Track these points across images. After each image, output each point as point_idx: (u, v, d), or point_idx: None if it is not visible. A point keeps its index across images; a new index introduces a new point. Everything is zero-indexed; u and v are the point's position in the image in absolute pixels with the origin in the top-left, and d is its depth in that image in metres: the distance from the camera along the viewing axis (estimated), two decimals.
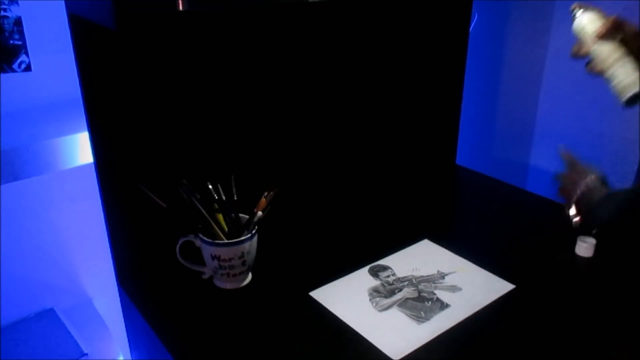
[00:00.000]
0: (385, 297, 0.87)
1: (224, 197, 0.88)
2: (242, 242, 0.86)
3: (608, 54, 0.73)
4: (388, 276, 0.93)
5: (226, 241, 0.86)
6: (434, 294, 0.88)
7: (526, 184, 1.46)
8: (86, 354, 1.04)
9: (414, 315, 0.83)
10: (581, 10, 0.76)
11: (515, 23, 1.38)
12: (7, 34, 0.94)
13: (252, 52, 0.97)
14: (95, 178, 0.90)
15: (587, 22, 0.75)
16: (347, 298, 0.87)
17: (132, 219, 0.93)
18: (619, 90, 0.72)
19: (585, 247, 0.98)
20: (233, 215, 0.89)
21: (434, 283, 0.91)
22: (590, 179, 0.79)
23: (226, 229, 0.89)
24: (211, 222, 0.87)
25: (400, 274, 0.94)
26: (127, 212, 0.92)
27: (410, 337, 0.78)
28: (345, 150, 1.19)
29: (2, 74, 0.96)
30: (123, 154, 0.89)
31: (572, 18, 0.78)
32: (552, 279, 0.92)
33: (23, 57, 0.97)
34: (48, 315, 1.14)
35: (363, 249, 1.01)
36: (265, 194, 0.88)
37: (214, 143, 0.98)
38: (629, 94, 0.71)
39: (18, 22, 0.94)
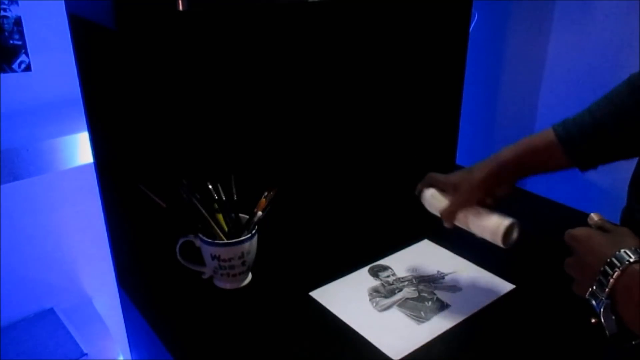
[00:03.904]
0: (385, 297, 0.87)
1: (224, 197, 0.88)
2: (242, 242, 0.86)
3: (461, 217, 0.82)
4: (388, 276, 0.93)
5: (226, 241, 0.86)
6: (434, 294, 0.88)
7: (526, 183, 1.46)
8: (86, 354, 1.04)
9: (413, 315, 0.83)
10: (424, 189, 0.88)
11: (515, 23, 1.38)
12: (7, 34, 0.94)
13: (252, 52, 0.97)
14: (95, 178, 0.90)
15: (430, 199, 0.87)
16: (347, 298, 0.87)
17: (132, 219, 0.93)
18: (491, 239, 0.80)
19: None
20: (233, 215, 0.89)
21: (433, 283, 0.91)
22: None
23: (226, 229, 0.89)
24: (211, 222, 0.87)
25: (400, 274, 0.94)
26: (127, 212, 0.92)
27: (410, 337, 0.78)
28: (345, 150, 1.19)
29: (2, 74, 0.96)
30: (123, 154, 0.89)
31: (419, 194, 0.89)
32: (552, 279, 0.92)
33: (23, 57, 0.97)
34: (48, 315, 1.14)
35: (363, 249, 1.01)
36: (265, 194, 0.88)
37: (214, 143, 0.98)
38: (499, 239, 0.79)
39: (18, 22, 0.94)
